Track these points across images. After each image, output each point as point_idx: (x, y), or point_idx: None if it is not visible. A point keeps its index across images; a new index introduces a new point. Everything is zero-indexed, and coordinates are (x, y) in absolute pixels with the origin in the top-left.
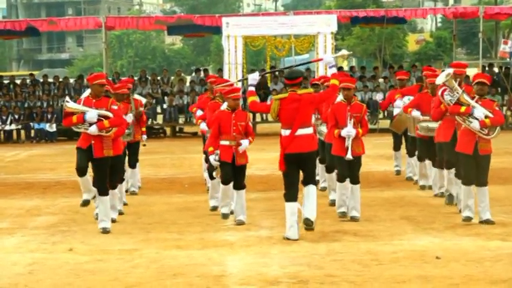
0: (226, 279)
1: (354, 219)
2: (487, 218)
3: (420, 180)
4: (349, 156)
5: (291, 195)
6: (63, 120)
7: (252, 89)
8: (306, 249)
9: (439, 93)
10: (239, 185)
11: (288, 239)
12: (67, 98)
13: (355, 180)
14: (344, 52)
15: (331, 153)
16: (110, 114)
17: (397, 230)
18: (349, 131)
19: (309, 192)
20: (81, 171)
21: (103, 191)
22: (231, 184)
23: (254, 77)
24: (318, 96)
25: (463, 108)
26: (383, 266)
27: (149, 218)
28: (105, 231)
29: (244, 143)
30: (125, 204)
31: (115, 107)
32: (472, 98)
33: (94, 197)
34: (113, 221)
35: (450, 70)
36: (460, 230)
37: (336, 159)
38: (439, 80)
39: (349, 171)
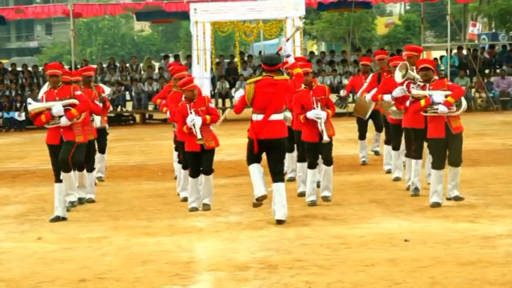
0: (196, 266)
1: (325, 199)
2: (455, 195)
3: (394, 171)
4: (325, 138)
5: (254, 159)
6: (34, 122)
7: (291, 60)
8: (275, 234)
9: (405, 87)
10: (206, 170)
11: (257, 200)
12: (29, 100)
13: (328, 162)
14: (296, 24)
15: (301, 139)
16: (75, 101)
17: (365, 214)
18: (318, 113)
19: (278, 190)
20: (59, 175)
21: (65, 166)
22: (199, 178)
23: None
24: (292, 84)
25: (422, 102)
26: (351, 250)
27: (118, 205)
28: (72, 205)
29: (197, 120)
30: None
31: (79, 93)
32: (423, 87)
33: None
34: (81, 199)
35: (402, 64)
36: (428, 213)
37: (306, 145)
38: (398, 79)
39: (322, 153)
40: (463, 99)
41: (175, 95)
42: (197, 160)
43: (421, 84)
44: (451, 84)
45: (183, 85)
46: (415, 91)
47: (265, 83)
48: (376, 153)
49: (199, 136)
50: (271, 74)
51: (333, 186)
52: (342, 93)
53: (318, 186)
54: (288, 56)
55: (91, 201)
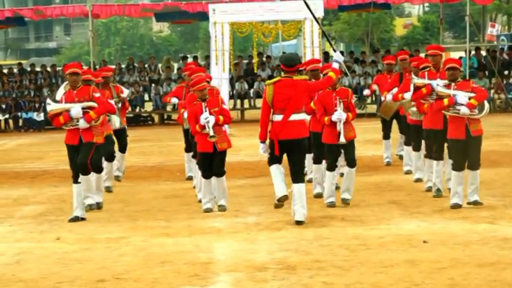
0: (214, 266)
1: (344, 201)
2: (475, 199)
3: (415, 172)
4: (342, 140)
5: (275, 160)
6: (53, 123)
7: (336, 66)
8: (294, 234)
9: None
10: (218, 172)
11: (278, 201)
12: (48, 101)
13: (351, 164)
14: None
15: (321, 141)
16: (94, 104)
17: (384, 215)
18: (339, 113)
19: (298, 191)
20: (77, 177)
21: (84, 168)
22: (212, 179)
23: (338, 55)
24: (313, 84)
25: (445, 101)
26: (370, 251)
27: (136, 205)
28: (90, 208)
29: (211, 118)
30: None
31: (97, 95)
32: (448, 86)
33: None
34: (99, 205)
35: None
36: (447, 214)
37: (326, 147)
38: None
39: (345, 155)
40: (485, 102)
41: (192, 98)
42: (209, 161)
43: (433, 82)
44: (476, 86)
45: (192, 86)
46: (441, 89)
47: (284, 84)
48: (401, 157)
49: (211, 133)
50: (290, 74)
51: (353, 188)
52: (366, 92)
53: (337, 188)
54: (335, 61)
55: (108, 190)
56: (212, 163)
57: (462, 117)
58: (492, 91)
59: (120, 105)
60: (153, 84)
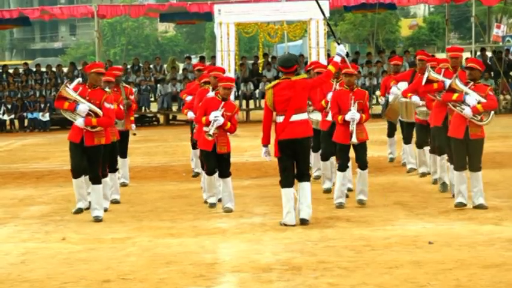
0: (219, 267)
1: (361, 202)
2: (480, 203)
3: (420, 167)
4: (354, 140)
5: (287, 181)
6: (55, 101)
7: (337, 59)
8: (299, 235)
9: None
10: (224, 174)
11: (285, 225)
12: (68, 84)
13: (363, 166)
14: None
15: (331, 140)
16: (100, 113)
17: (389, 216)
18: (353, 113)
19: (303, 189)
20: (76, 172)
21: (96, 179)
22: (216, 174)
23: (342, 49)
24: (311, 81)
25: (454, 96)
26: (376, 252)
27: (142, 206)
28: (97, 219)
29: (220, 119)
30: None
31: (108, 105)
32: (466, 84)
33: (88, 208)
34: (105, 210)
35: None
36: (452, 215)
37: (338, 146)
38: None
39: (356, 157)
40: (492, 113)
41: (203, 92)
42: (211, 158)
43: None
44: (491, 94)
45: (222, 80)
46: (458, 83)
47: (283, 86)
48: (405, 164)
49: (211, 132)
50: (289, 75)
51: (368, 189)
52: (380, 100)
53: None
54: (337, 54)
55: (116, 201)
56: (216, 162)
57: (465, 118)
58: (498, 92)
59: (126, 107)
60: (158, 85)
